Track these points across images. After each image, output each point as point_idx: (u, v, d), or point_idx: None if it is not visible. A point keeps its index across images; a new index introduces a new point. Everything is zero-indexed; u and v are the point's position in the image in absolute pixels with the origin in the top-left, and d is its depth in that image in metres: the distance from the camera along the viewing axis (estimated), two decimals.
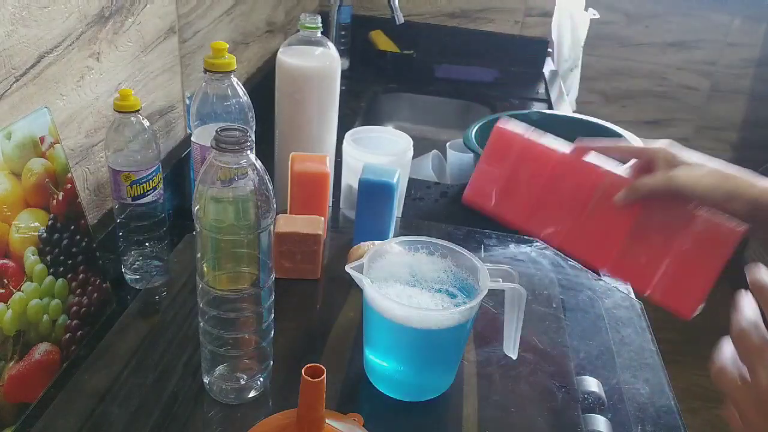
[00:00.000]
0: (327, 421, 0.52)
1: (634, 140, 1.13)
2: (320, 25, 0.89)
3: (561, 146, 0.77)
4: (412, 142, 0.95)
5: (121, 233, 0.78)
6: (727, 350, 0.50)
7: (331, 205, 0.97)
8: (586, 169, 0.74)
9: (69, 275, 0.67)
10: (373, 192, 0.81)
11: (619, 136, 1.17)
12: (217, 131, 0.52)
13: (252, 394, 0.63)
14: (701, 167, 0.66)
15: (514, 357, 0.69)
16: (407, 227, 0.95)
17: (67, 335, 0.67)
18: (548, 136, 0.79)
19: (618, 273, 0.74)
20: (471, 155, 1.15)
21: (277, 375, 0.65)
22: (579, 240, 0.72)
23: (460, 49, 1.84)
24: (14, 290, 0.60)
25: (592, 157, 0.74)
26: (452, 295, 0.64)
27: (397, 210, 0.99)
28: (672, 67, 2.46)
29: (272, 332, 0.63)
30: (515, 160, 0.78)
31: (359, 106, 1.51)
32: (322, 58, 0.90)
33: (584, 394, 0.67)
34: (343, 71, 0.95)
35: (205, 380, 0.63)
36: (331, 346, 0.72)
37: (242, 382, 0.63)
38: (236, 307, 0.58)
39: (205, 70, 0.77)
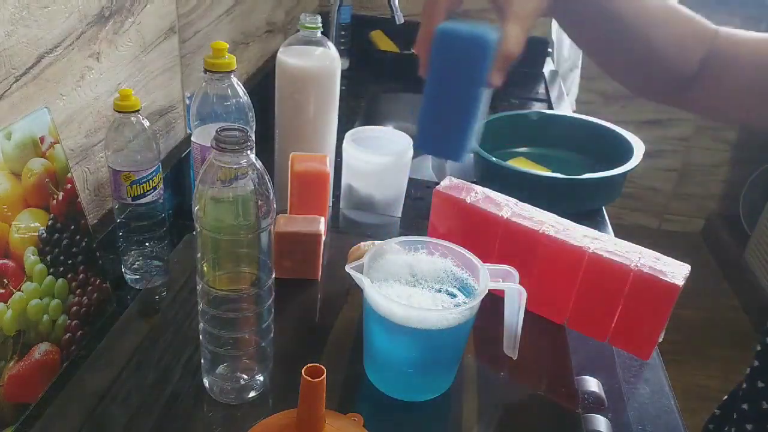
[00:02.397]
0: (327, 421, 0.52)
1: (634, 140, 1.14)
2: (320, 25, 0.89)
3: (497, 205, 0.79)
4: (412, 142, 0.95)
5: (121, 233, 0.78)
6: None
7: (331, 205, 0.97)
8: (522, 231, 0.75)
9: (69, 275, 0.67)
10: (456, 52, 0.52)
11: (620, 136, 1.17)
12: (217, 131, 0.52)
13: (252, 394, 0.63)
14: None
15: (515, 357, 0.69)
16: (407, 227, 0.95)
17: (67, 335, 0.67)
18: (489, 193, 0.81)
19: (576, 326, 0.77)
20: (471, 155, 1.15)
21: (277, 375, 0.65)
22: (535, 298, 0.73)
23: None
24: (14, 290, 0.60)
25: (522, 218, 0.77)
26: (452, 295, 0.64)
27: (398, 210, 0.99)
28: None
29: (272, 332, 0.63)
30: (457, 223, 0.81)
31: (359, 106, 1.50)
32: (322, 58, 0.90)
33: (584, 394, 0.67)
34: (343, 71, 0.95)
35: (205, 380, 0.63)
36: (331, 346, 0.72)
37: (242, 382, 0.63)
38: (236, 307, 0.58)
39: (205, 70, 0.77)
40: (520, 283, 0.64)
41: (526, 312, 0.66)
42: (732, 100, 0.60)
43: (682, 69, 0.60)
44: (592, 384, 0.69)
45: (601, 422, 0.64)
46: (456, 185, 0.83)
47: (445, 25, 0.52)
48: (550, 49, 1.87)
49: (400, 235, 0.73)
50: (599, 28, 0.58)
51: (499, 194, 0.81)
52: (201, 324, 0.59)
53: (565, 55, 1.86)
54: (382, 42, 1.78)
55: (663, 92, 0.63)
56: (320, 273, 0.82)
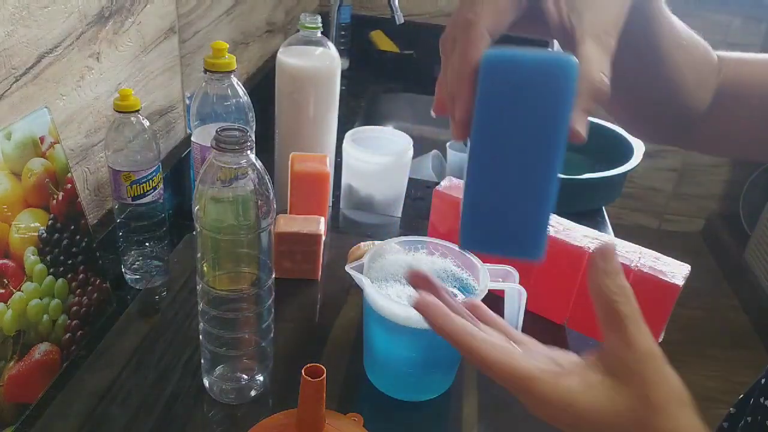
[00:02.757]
0: (327, 421, 0.52)
1: (634, 140, 1.14)
2: (320, 25, 0.89)
3: None
4: (412, 142, 0.95)
5: (121, 233, 0.78)
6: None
7: (331, 205, 0.97)
8: None
9: (69, 275, 0.67)
10: (523, 90, 0.35)
11: (620, 136, 1.17)
12: (217, 131, 0.52)
13: (252, 394, 0.63)
14: None
15: None
16: (407, 227, 0.95)
17: (67, 335, 0.67)
18: None
19: (576, 326, 0.77)
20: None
21: (277, 375, 0.65)
22: (535, 298, 0.73)
23: None
24: (14, 290, 0.60)
25: None
26: (452, 295, 0.64)
27: (398, 210, 0.99)
28: None
29: (272, 332, 0.63)
30: (457, 223, 0.80)
31: (359, 106, 1.50)
32: (322, 58, 0.90)
33: None
34: (343, 71, 0.95)
35: (205, 380, 0.63)
36: (331, 346, 0.72)
37: (242, 382, 0.63)
38: (236, 307, 0.58)
39: (205, 70, 0.77)
40: (520, 283, 0.64)
41: (526, 312, 0.66)
42: (746, 132, 0.54)
43: (700, 101, 0.51)
44: None
45: None
46: (456, 185, 0.83)
47: (498, 52, 0.35)
48: (550, 49, 1.87)
49: (400, 235, 0.73)
50: (634, 54, 0.45)
51: None
52: (201, 324, 0.59)
53: None
54: (382, 42, 1.78)
55: (675, 131, 0.55)
56: (320, 273, 0.82)
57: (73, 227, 0.68)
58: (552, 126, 0.34)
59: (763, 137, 0.53)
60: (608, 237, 0.75)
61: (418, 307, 0.41)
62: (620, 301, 0.37)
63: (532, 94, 0.34)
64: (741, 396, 0.73)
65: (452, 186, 0.83)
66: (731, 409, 0.74)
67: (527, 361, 0.38)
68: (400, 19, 1.41)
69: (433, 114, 0.40)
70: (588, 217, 1.05)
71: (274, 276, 0.59)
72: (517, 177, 0.36)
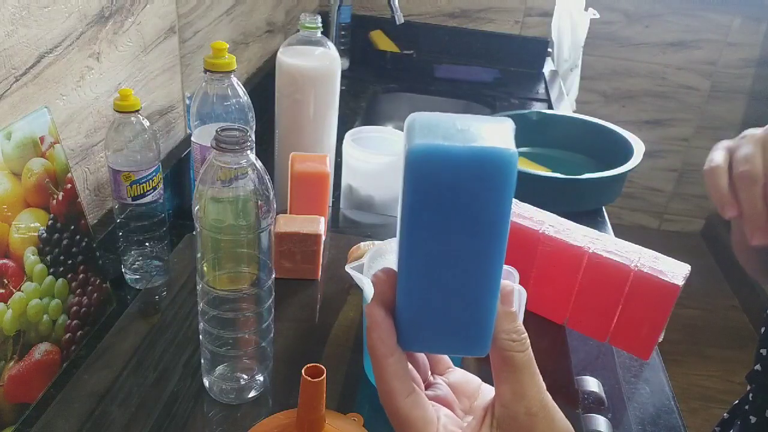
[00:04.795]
0: (327, 421, 0.52)
1: (634, 140, 1.14)
2: (320, 25, 0.89)
3: None
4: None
5: (121, 233, 0.78)
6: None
7: (331, 205, 0.97)
8: (522, 231, 0.75)
9: (69, 275, 0.67)
10: (457, 187, 0.31)
11: (620, 136, 1.17)
12: (217, 131, 0.52)
13: (252, 394, 0.63)
14: None
15: None
16: None
17: (67, 335, 0.67)
18: None
19: (576, 326, 0.77)
20: None
21: (277, 375, 0.65)
22: (535, 298, 0.73)
23: (460, 49, 1.84)
24: (14, 290, 0.60)
25: (522, 218, 0.76)
26: None
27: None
28: (672, 67, 2.46)
29: (272, 332, 0.63)
30: None
31: (359, 106, 1.50)
32: (322, 58, 0.90)
33: (584, 394, 0.67)
34: (343, 71, 0.95)
35: (205, 380, 0.63)
36: (331, 346, 0.72)
37: (242, 382, 0.63)
38: (236, 307, 0.58)
39: (205, 70, 0.77)
40: (520, 283, 0.64)
41: (526, 312, 0.66)
42: None
43: None
44: (592, 384, 0.69)
45: (601, 422, 0.64)
46: None
47: (424, 147, 0.31)
48: (550, 49, 1.87)
49: None
50: None
51: None
52: (201, 324, 0.59)
53: (565, 55, 1.86)
54: (382, 42, 1.78)
55: None
56: (320, 273, 0.82)
57: (73, 227, 0.68)
58: (491, 221, 0.31)
59: None
60: (608, 236, 0.75)
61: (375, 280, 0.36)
62: (516, 348, 0.34)
63: (466, 193, 0.30)
64: (736, 402, 0.73)
65: None
66: (725, 414, 0.74)
67: (415, 408, 0.34)
68: (400, 19, 1.41)
69: None
70: (588, 217, 1.05)
71: (274, 276, 0.59)
72: (457, 274, 0.32)
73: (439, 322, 0.34)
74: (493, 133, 0.32)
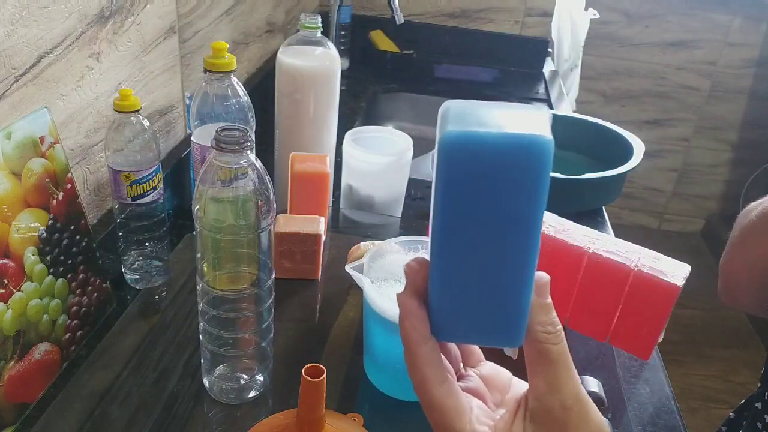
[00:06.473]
0: (327, 421, 0.52)
1: (634, 140, 1.14)
2: (320, 25, 0.89)
3: None
4: (412, 142, 0.95)
5: (121, 233, 0.78)
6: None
7: (331, 205, 0.97)
8: None
9: (69, 275, 0.67)
10: (492, 175, 0.30)
11: (620, 136, 1.17)
12: (217, 131, 0.52)
13: (252, 394, 0.63)
14: None
15: (514, 357, 0.69)
16: (407, 227, 0.95)
17: (67, 335, 0.67)
18: None
19: (576, 326, 0.77)
20: None
21: (277, 375, 0.65)
22: None
23: (460, 49, 1.84)
24: (14, 290, 0.60)
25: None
26: None
27: (398, 210, 0.99)
28: (672, 67, 2.46)
29: (272, 332, 0.63)
30: None
31: (359, 106, 1.50)
32: (322, 58, 0.90)
33: None
34: (343, 71, 0.95)
35: (205, 380, 0.63)
36: (331, 346, 0.72)
37: (242, 382, 0.63)
38: (236, 307, 0.58)
39: (205, 70, 0.77)
40: None
41: None
42: None
43: None
44: (592, 384, 0.69)
45: None
46: None
47: (459, 134, 0.30)
48: (550, 49, 1.87)
49: (400, 235, 0.73)
50: None
51: None
52: (201, 324, 0.59)
53: (565, 55, 1.86)
54: (382, 42, 1.78)
55: None
56: (320, 273, 0.82)
57: (73, 227, 0.68)
58: (526, 210, 0.30)
59: None
60: (608, 236, 0.75)
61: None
62: (552, 341, 0.34)
63: (501, 181, 0.30)
64: (742, 401, 0.73)
65: None
66: (731, 413, 0.74)
67: (448, 396, 0.35)
68: (400, 19, 1.41)
69: None
70: (588, 217, 1.05)
71: (274, 276, 0.59)
72: (491, 264, 0.32)
73: (473, 313, 0.33)
74: (528, 120, 0.31)
